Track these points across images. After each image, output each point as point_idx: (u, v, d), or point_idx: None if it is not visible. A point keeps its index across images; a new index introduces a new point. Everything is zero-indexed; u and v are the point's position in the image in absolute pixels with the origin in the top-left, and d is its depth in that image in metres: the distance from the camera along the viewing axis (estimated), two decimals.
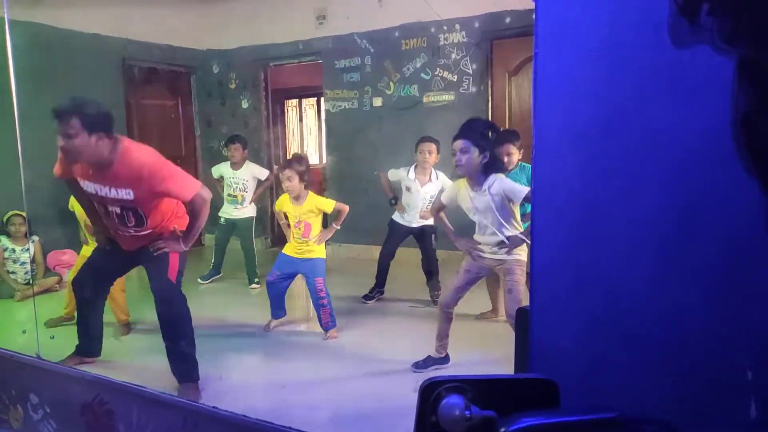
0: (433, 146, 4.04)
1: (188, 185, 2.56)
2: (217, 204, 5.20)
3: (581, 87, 0.89)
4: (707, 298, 0.79)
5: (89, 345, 3.03)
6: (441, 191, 3.92)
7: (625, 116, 0.84)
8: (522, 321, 1.02)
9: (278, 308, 3.68)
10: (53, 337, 3.41)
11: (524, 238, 2.80)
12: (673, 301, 0.82)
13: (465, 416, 0.72)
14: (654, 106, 0.82)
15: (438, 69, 5.38)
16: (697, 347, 0.79)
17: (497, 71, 5.23)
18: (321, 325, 3.54)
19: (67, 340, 3.10)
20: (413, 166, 4.12)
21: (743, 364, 0.77)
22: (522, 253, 2.85)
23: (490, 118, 5.23)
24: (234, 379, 2.97)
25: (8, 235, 4.59)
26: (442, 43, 5.33)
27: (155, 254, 2.67)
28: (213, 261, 5.00)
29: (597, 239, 0.85)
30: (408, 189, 4.12)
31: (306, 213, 3.50)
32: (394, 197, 4.26)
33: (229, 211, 4.87)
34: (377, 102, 5.74)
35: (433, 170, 4.07)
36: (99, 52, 5.48)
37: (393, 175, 4.22)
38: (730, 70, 0.77)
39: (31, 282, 4.56)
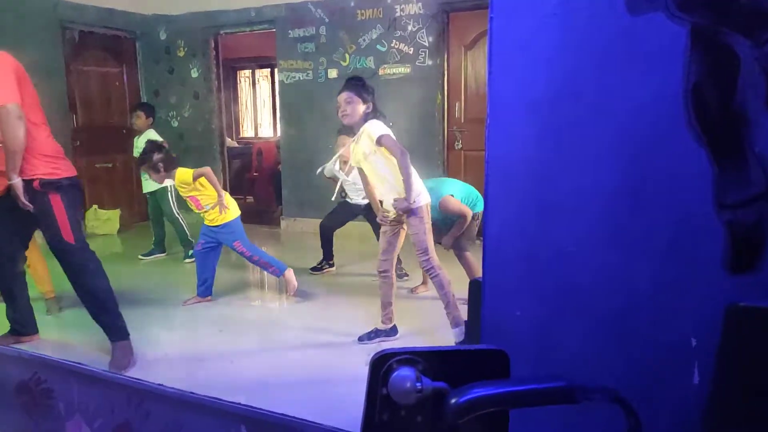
0: (349, 139, 4.02)
1: None
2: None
3: (536, 54, 0.87)
4: (655, 268, 0.80)
5: (22, 321, 2.90)
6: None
7: (579, 84, 0.83)
8: (474, 292, 1.01)
9: (204, 284, 3.61)
10: None
11: (404, 204, 2.77)
12: (622, 270, 0.82)
13: (416, 388, 0.71)
14: (608, 74, 0.81)
15: (394, 41, 5.30)
16: (644, 316, 0.80)
17: (453, 44, 5.20)
18: (275, 275, 3.60)
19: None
20: (336, 158, 4.12)
21: (687, 332, 0.78)
22: (417, 203, 2.80)
23: (446, 92, 5.23)
24: (178, 355, 2.91)
25: None
26: (398, 14, 5.25)
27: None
28: (153, 238, 4.83)
29: (549, 209, 0.84)
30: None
31: (181, 188, 3.53)
32: (343, 191, 4.27)
33: (145, 185, 4.63)
34: (332, 73, 5.62)
35: None
36: (32, 14, 5.14)
37: (328, 171, 4.23)
38: (683, 38, 0.76)
39: None
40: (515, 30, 0.87)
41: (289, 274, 3.55)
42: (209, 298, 3.64)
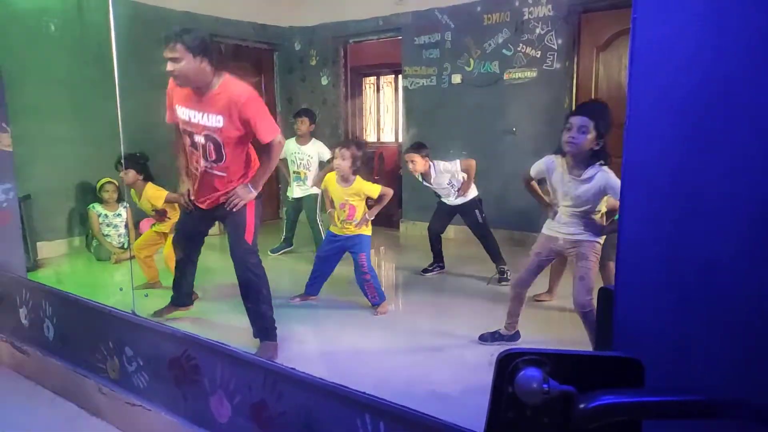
0: (417, 156, 4.22)
1: (271, 126, 2.74)
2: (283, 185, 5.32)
3: (682, 55, 0.83)
4: None
5: (182, 297, 3.31)
6: (453, 178, 4.23)
7: (731, 85, 0.78)
8: (604, 300, 0.99)
9: (314, 285, 3.73)
10: (147, 295, 3.67)
11: (613, 228, 2.67)
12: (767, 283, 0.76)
13: (543, 389, 0.71)
14: (764, 74, 0.76)
15: (521, 45, 5.20)
16: None
17: (585, 47, 5.00)
18: (368, 300, 3.60)
19: (159, 299, 3.34)
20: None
21: None
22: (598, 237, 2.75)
23: (574, 96, 5.04)
24: (308, 345, 3.09)
25: (101, 201, 4.95)
26: (526, 17, 5.15)
27: (229, 208, 2.79)
28: (284, 234, 5.15)
29: (693, 216, 0.81)
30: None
31: (351, 196, 3.55)
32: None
33: (294, 190, 4.92)
34: (456, 79, 5.65)
35: (432, 165, 4.27)
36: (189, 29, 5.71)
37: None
38: None
39: (125, 246, 4.92)
40: (660, 30, 0.84)
41: (384, 306, 3.56)
42: (315, 297, 3.75)
